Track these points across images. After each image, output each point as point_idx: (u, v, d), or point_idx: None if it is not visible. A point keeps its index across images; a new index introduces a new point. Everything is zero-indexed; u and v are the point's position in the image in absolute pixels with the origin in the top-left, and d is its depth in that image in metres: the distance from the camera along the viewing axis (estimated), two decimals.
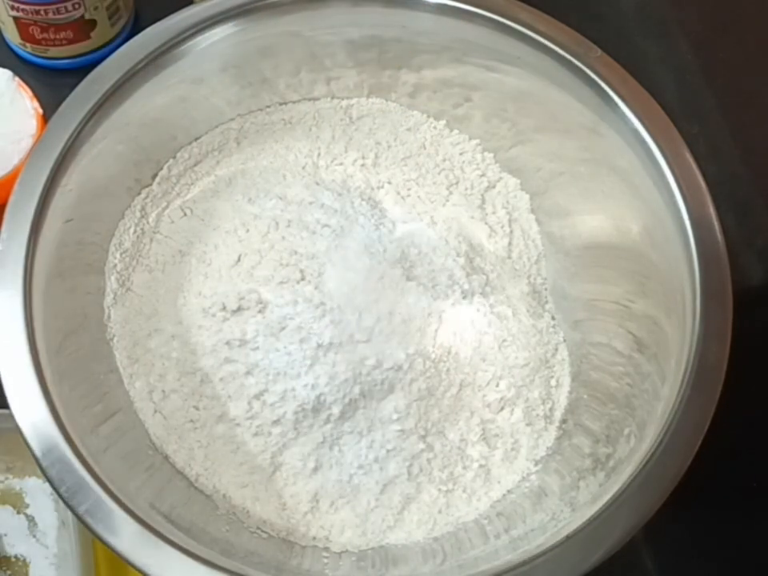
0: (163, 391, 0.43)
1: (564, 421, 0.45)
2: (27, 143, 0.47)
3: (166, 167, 0.47)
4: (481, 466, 0.44)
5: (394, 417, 0.43)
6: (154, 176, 0.47)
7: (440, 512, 0.43)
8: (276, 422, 0.42)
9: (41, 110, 0.48)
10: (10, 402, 0.35)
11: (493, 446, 0.44)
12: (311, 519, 0.42)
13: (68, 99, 0.41)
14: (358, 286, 0.43)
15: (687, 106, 0.47)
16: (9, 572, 0.46)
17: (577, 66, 0.42)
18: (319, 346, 0.42)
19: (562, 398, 0.46)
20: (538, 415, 0.45)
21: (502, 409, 0.45)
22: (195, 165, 0.48)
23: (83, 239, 0.43)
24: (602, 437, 0.42)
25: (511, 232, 0.49)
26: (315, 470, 0.43)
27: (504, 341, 0.45)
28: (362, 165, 0.49)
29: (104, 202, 0.44)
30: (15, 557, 0.46)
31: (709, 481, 0.40)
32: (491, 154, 0.49)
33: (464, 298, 0.46)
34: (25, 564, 0.46)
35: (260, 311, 0.43)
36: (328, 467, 0.43)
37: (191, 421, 0.43)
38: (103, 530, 0.34)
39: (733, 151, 0.45)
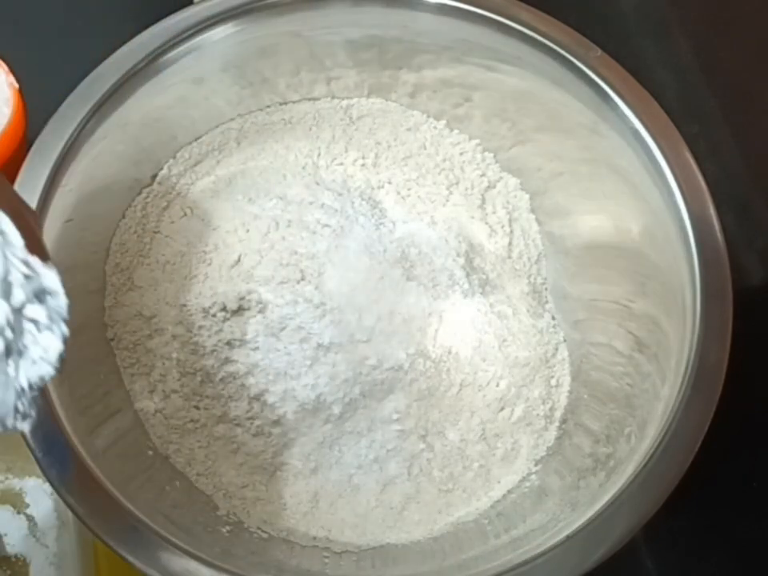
0: (163, 391, 0.43)
1: (564, 421, 0.45)
2: (2, 121, 0.46)
3: (166, 167, 0.47)
4: (481, 465, 0.44)
5: (394, 417, 0.43)
6: (154, 176, 0.47)
7: (440, 512, 0.43)
8: (276, 422, 0.42)
9: (16, 85, 0.47)
10: None
11: (493, 445, 0.44)
12: (311, 519, 0.42)
13: (68, 99, 0.41)
14: (358, 285, 0.43)
15: (687, 106, 0.47)
16: (9, 572, 0.46)
17: (577, 66, 0.42)
18: (319, 346, 0.42)
19: (562, 398, 0.46)
20: (538, 415, 0.45)
21: (502, 409, 0.45)
22: (195, 165, 0.48)
23: (83, 239, 0.43)
24: (602, 437, 0.42)
25: (511, 232, 0.49)
26: (315, 469, 0.43)
27: (504, 340, 0.46)
28: (362, 165, 0.49)
29: (104, 201, 0.44)
30: (15, 557, 0.46)
31: (709, 481, 0.40)
32: (491, 154, 0.49)
33: (464, 297, 0.46)
34: (25, 564, 0.46)
35: (260, 311, 0.43)
36: (328, 467, 0.43)
37: (191, 421, 0.43)
38: (103, 529, 0.35)
39: (733, 151, 0.45)
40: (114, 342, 0.44)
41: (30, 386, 0.25)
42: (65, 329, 0.25)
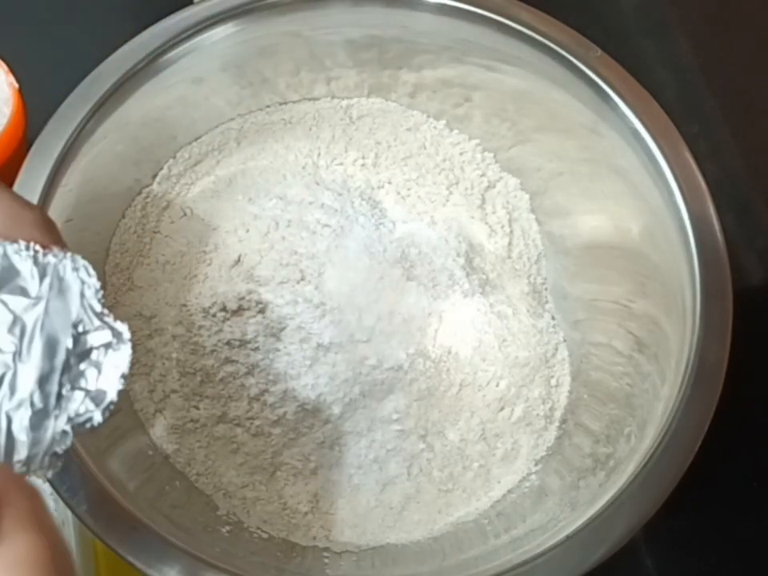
0: (163, 391, 0.43)
1: (564, 420, 0.45)
2: (2, 121, 0.46)
3: (166, 167, 0.47)
4: (481, 465, 0.44)
5: (394, 417, 0.43)
6: (154, 176, 0.47)
7: (440, 512, 0.43)
8: (276, 423, 0.42)
9: (16, 85, 0.47)
10: None
11: (493, 445, 0.44)
12: (311, 519, 0.42)
13: (68, 99, 0.41)
14: (358, 285, 0.43)
15: (687, 106, 0.47)
16: None
17: (577, 66, 0.42)
18: (319, 346, 0.42)
19: (562, 398, 0.46)
20: (538, 415, 0.45)
21: (502, 408, 0.45)
22: (195, 165, 0.48)
23: (83, 239, 0.43)
24: (602, 436, 0.42)
25: (511, 232, 0.49)
26: (315, 469, 0.43)
27: (504, 340, 0.46)
28: (362, 165, 0.49)
29: (104, 201, 0.44)
30: None
31: (709, 481, 0.40)
32: (491, 154, 0.49)
33: (464, 297, 0.46)
34: None
35: (260, 311, 0.43)
36: (328, 467, 0.43)
37: (191, 421, 0.43)
38: (103, 529, 0.34)
39: (733, 151, 0.45)
40: None
41: (73, 430, 0.25)
42: (121, 383, 0.26)
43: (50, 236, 0.27)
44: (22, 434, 0.25)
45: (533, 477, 0.44)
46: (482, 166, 0.49)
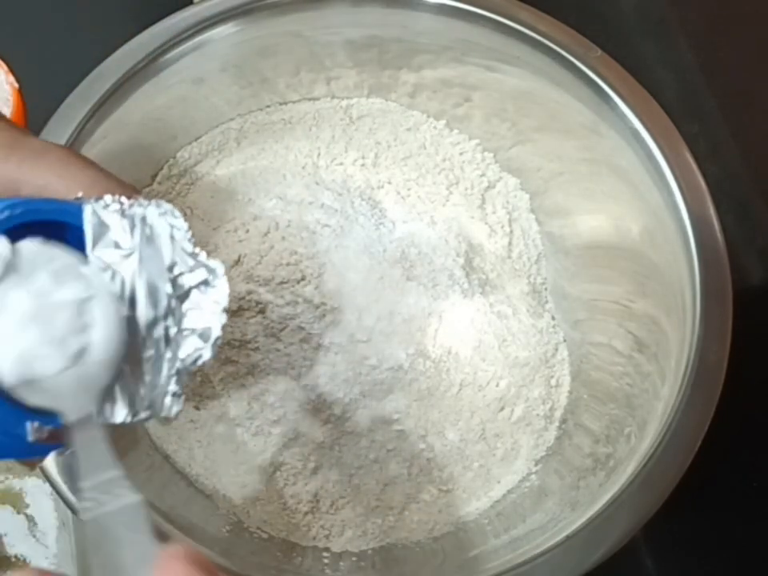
0: None
1: (564, 420, 0.45)
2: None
3: (166, 167, 0.47)
4: (481, 465, 0.44)
5: (394, 417, 0.43)
6: (154, 176, 0.47)
7: (440, 512, 0.43)
8: (276, 422, 0.42)
9: (16, 85, 0.47)
10: None
11: (493, 445, 0.44)
12: (311, 519, 0.42)
13: (68, 99, 0.41)
14: (358, 286, 0.43)
15: (687, 106, 0.47)
16: (9, 572, 0.46)
17: (577, 66, 0.42)
18: (319, 346, 0.42)
19: (562, 398, 0.46)
20: (538, 415, 0.45)
21: (502, 408, 0.45)
22: (195, 165, 0.48)
23: None
24: (602, 436, 0.42)
25: (511, 232, 0.49)
26: (315, 470, 0.43)
27: (504, 340, 0.46)
28: (362, 165, 0.49)
29: None
30: (15, 557, 0.46)
31: (709, 481, 0.40)
32: (491, 154, 0.49)
33: (464, 297, 0.46)
34: (25, 564, 0.46)
35: (260, 311, 0.43)
36: (328, 467, 0.43)
37: (191, 421, 0.43)
38: None
39: (733, 151, 0.45)
40: None
41: (186, 369, 0.26)
42: (225, 317, 0.26)
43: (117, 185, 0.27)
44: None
45: (533, 477, 0.44)
46: (481, 166, 0.49)
